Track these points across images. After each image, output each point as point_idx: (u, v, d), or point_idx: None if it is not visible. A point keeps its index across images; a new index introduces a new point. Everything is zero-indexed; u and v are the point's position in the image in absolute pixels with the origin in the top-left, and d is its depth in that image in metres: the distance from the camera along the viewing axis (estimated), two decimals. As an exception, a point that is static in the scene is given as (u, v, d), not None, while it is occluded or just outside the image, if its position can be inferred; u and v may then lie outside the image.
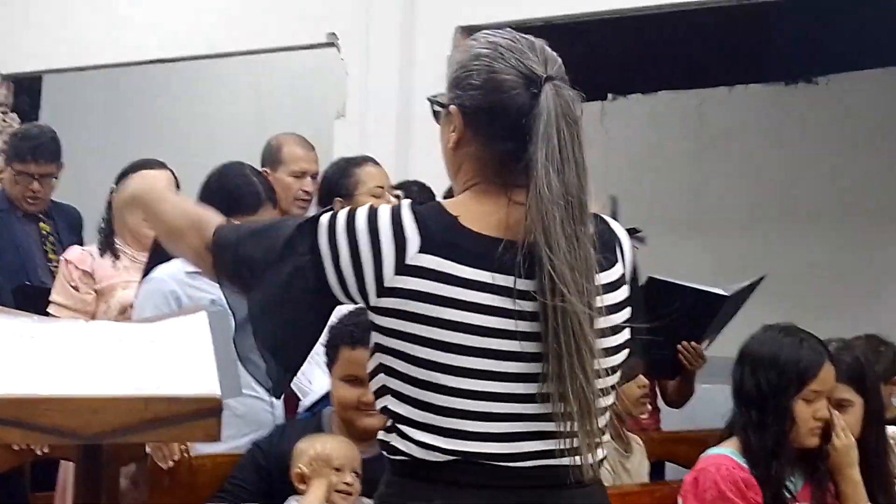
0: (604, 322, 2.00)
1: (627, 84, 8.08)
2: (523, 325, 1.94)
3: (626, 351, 2.10)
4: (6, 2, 7.59)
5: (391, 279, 1.96)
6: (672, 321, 4.32)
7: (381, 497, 2.09)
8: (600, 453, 2.05)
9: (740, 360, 3.33)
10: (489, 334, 1.94)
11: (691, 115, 8.07)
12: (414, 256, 1.96)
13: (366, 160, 4.05)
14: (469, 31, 5.91)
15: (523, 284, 1.93)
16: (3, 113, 7.59)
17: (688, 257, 7.07)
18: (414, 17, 6.00)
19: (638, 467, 4.15)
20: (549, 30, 6.07)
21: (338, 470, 3.11)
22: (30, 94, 8.14)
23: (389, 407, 2.03)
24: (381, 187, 3.92)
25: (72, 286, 4.15)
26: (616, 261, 2.10)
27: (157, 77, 7.83)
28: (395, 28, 5.99)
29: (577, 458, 1.96)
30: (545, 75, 2.00)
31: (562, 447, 1.94)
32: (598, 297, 1.96)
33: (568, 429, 1.93)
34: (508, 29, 2.10)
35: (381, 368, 2.02)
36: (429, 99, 2.15)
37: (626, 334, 2.09)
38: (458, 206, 2.03)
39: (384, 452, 2.07)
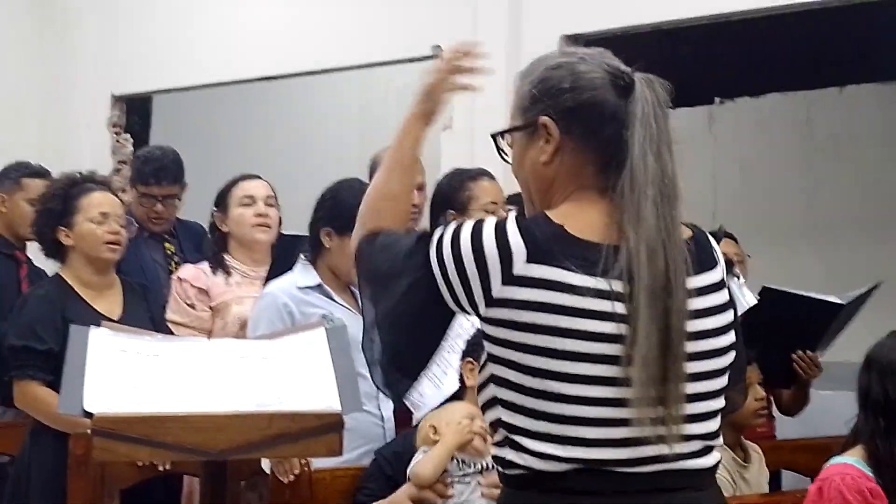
0: (701, 325, 2.01)
1: (735, 87, 7.99)
2: (625, 331, 1.95)
3: (733, 353, 2.10)
4: (116, 25, 7.74)
5: (500, 290, 1.97)
6: (787, 330, 4.29)
7: None
8: (713, 458, 2.06)
9: (867, 367, 3.27)
10: (600, 339, 1.95)
11: (801, 117, 7.94)
12: (522, 267, 1.97)
13: (481, 174, 4.04)
14: (574, 39, 5.89)
15: (624, 287, 1.94)
16: (116, 133, 7.74)
17: (800, 264, 6.97)
18: (519, 27, 5.98)
19: (757, 476, 4.10)
20: (656, 35, 6.05)
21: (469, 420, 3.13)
22: (140, 114, 8.30)
23: (502, 418, 2.03)
24: (495, 203, 3.91)
25: (187, 304, 4.21)
26: (715, 265, 2.11)
27: (264, 94, 7.92)
28: (501, 39, 5.97)
29: (689, 458, 1.98)
30: (629, 70, 2.05)
31: (667, 451, 1.95)
32: (690, 293, 1.97)
33: (654, 424, 1.93)
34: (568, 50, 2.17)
35: (492, 379, 2.03)
36: (494, 135, 2.20)
37: (730, 337, 2.09)
38: (562, 216, 2.04)
39: (498, 468, 2.08)
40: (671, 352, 1.93)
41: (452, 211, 3.85)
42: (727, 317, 2.09)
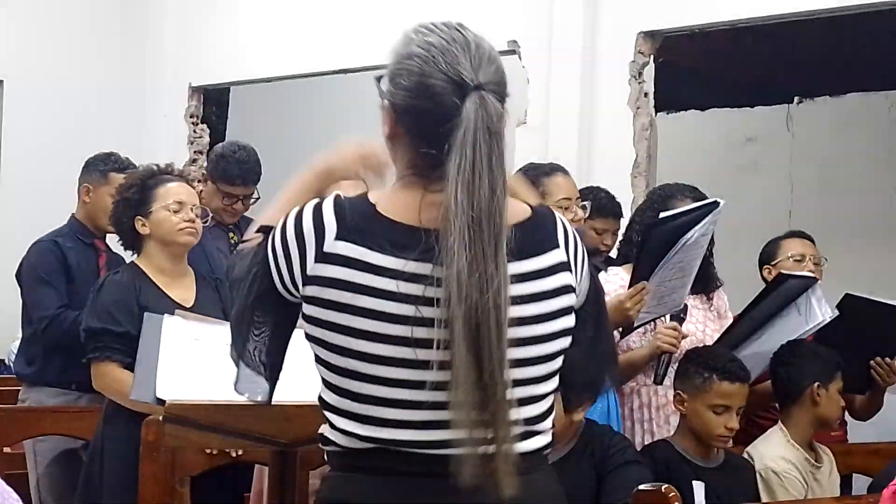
0: (522, 311, 1.98)
1: (815, 86, 7.90)
2: (429, 312, 1.93)
3: (565, 339, 2.08)
4: (196, 16, 7.81)
5: (312, 267, 2.00)
6: (867, 336, 4.24)
7: (318, 492, 2.11)
8: (537, 442, 2.05)
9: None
10: (399, 321, 1.94)
11: (881, 117, 7.83)
12: (331, 244, 1.99)
13: (555, 169, 4.02)
14: (652, 36, 5.86)
15: (431, 271, 1.93)
16: (193, 123, 7.81)
17: (879, 265, 6.87)
18: (596, 22, 5.95)
19: (829, 478, 4.07)
20: (734, 32, 6.00)
21: None
22: (218, 105, 8.37)
23: (321, 395, 2.06)
24: (569, 198, 3.89)
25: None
26: (553, 247, 2.07)
27: (340, 86, 7.95)
28: (577, 34, 5.95)
29: (490, 447, 1.91)
30: (474, 83, 1.97)
31: (464, 436, 1.91)
32: (507, 292, 1.91)
33: (461, 417, 1.90)
34: (450, 23, 2.07)
35: (315, 359, 2.05)
36: (375, 79, 2.11)
37: (563, 322, 2.07)
38: (381, 196, 2.05)
39: (321, 445, 2.09)
40: (492, 380, 1.88)
41: (526, 207, 3.83)
42: (559, 302, 2.06)
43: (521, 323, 1.99)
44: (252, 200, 5.06)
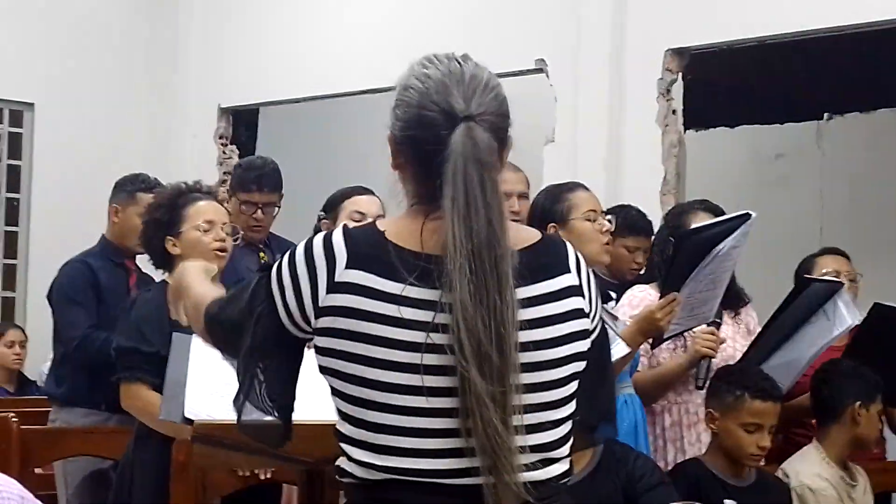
0: (531, 335, 1.96)
1: (844, 103, 7.85)
2: (438, 338, 1.92)
3: (578, 363, 2.04)
4: (223, 38, 7.85)
5: (324, 298, 1.98)
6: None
7: None
8: (553, 470, 2.01)
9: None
10: (410, 348, 1.93)
11: (914, 135, 7.78)
12: (342, 273, 1.98)
13: (575, 185, 4.03)
14: (679, 53, 5.84)
15: (437, 296, 1.92)
16: (223, 144, 7.84)
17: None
18: (623, 40, 5.95)
19: (864, 497, 4.03)
20: (763, 49, 5.97)
21: None
22: (247, 126, 8.40)
23: (336, 427, 2.04)
24: (595, 210, 3.89)
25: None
26: (564, 272, 2.06)
27: (369, 106, 7.96)
28: (605, 52, 5.95)
29: (508, 476, 1.89)
30: (464, 114, 1.97)
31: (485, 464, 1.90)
32: (515, 318, 1.91)
33: (473, 445, 1.89)
34: (452, 55, 2.08)
35: (331, 391, 2.04)
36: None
37: (574, 346, 2.03)
38: (389, 223, 2.05)
39: (338, 477, 2.06)
40: (499, 407, 1.88)
41: (554, 224, 3.83)
42: (571, 326, 2.04)
43: (530, 348, 1.97)
44: (274, 211, 5.04)
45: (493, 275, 1.90)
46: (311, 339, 2.05)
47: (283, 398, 2.14)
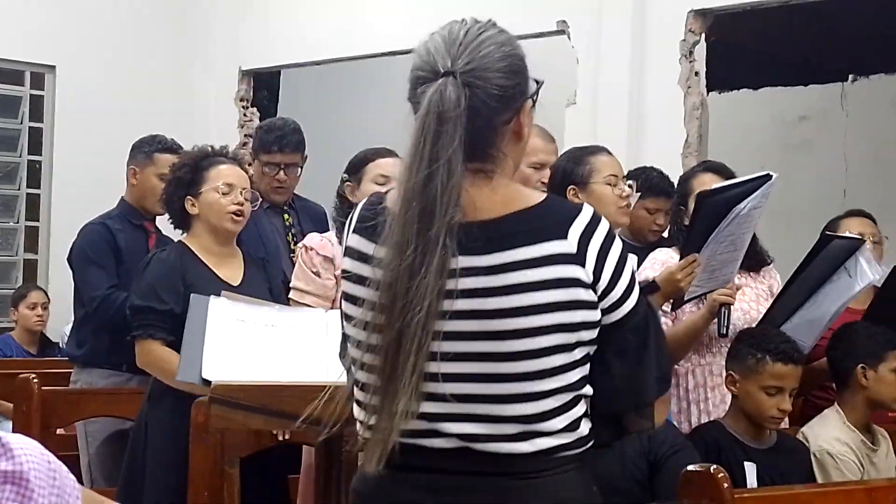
0: (514, 301, 1.94)
1: (869, 64, 7.80)
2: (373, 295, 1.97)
3: (569, 334, 1.98)
4: (244, 2, 7.83)
5: (340, 263, 2.14)
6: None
7: None
8: (536, 444, 1.97)
9: None
10: (367, 306, 1.97)
11: (939, 95, 7.73)
12: (348, 238, 2.08)
13: (599, 149, 4.00)
14: (703, 14, 5.80)
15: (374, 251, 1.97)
16: (244, 107, 7.83)
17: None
18: (645, 2, 5.91)
19: (886, 461, 4.01)
20: (786, 10, 5.92)
21: None
22: (268, 89, 8.39)
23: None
24: (616, 175, 3.87)
25: (313, 272, 4.21)
26: (556, 238, 1.98)
27: (389, 69, 7.94)
28: (627, 14, 5.91)
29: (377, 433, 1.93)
30: (445, 70, 1.96)
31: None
32: (439, 282, 1.89)
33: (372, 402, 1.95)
34: (465, 19, 2.06)
35: None
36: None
37: (561, 316, 1.97)
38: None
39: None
40: (403, 353, 1.89)
41: (574, 186, 3.81)
42: (550, 295, 1.96)
43: (499, 315, 1.94)
44: (297, 171, 5.04)
45: (418, 233, 1.89)
46: None
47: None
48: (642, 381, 2.09)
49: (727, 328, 3.89)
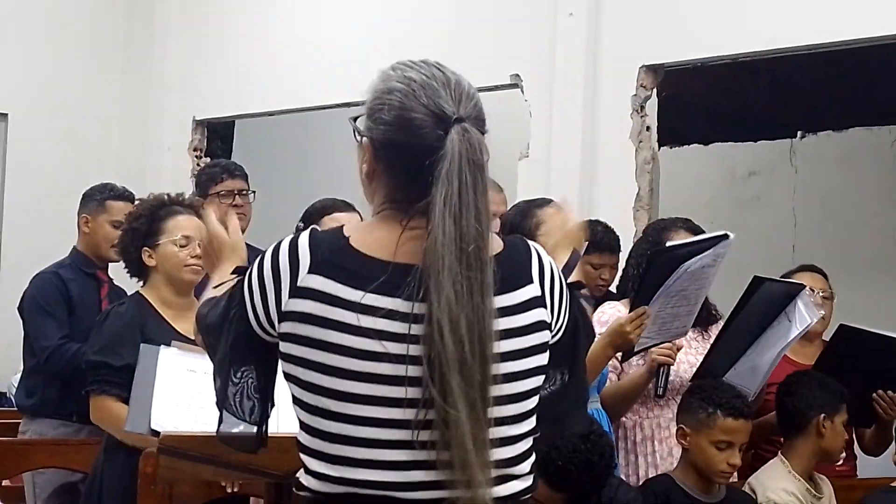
0: (496, 347, 1.92)
1: (818, 121, 7.90)
2: (395, 348, 1.90)
3: (541, 377, 2.03)
4: (198, 50, 7.84)
5: (286, 303, 1.96)
6: (867, 369, 4.23)
7: None
8: (512, 487, 1.99)
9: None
10: (369, 357, 1.91)
11: (885, 152, 7.83)
12: (304, 277, 1.95)
13: (545, 201, 4.05)
14: (654, 70, 5.86)
15: (405, 307, 1.90)
16: (197, 156, 7.83)
17: (883, 300, 6.84)
18: (597, 57, 5.96)
19: (828, 509, 4.06)
20: (735, 67, 6.01)
21: None
22: (222, 139, 8.39)
23: (297, 437, 2.02)
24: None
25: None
26: (527, 283, 2.03)
27: (344, 120, 7.95)
28: (579, 69, 5.96)
29: (471, 490, 1.86)
30: (455, 116, 1.96)
31: (448, 478, 1.88)
32: (494, 326, 1.90)
33: (444, 458, 1.87)
34: (428, 61, 2.05)
35: (292, 399, 2.02)
36: (350, 120, 2.11)
37: (538, 359, 2.02)
38: (355, 229, 2.02)
39: (294, 490, 2.04)
40: (476, 419, 1.86)
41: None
42: (533, 339, 2.01)
43: (497, 360, 1.94)
44: (250, 197, 5.05)
45: (477, 277, 1.88)
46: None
47: (259, 404, 2.12)
48: (581, 380, 2.22)
49: (664, 389, 3.91)
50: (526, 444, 2.03)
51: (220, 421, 2.15)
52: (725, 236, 3.77)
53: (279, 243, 2.03)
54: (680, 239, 3.98)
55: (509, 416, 1.99)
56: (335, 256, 1.96)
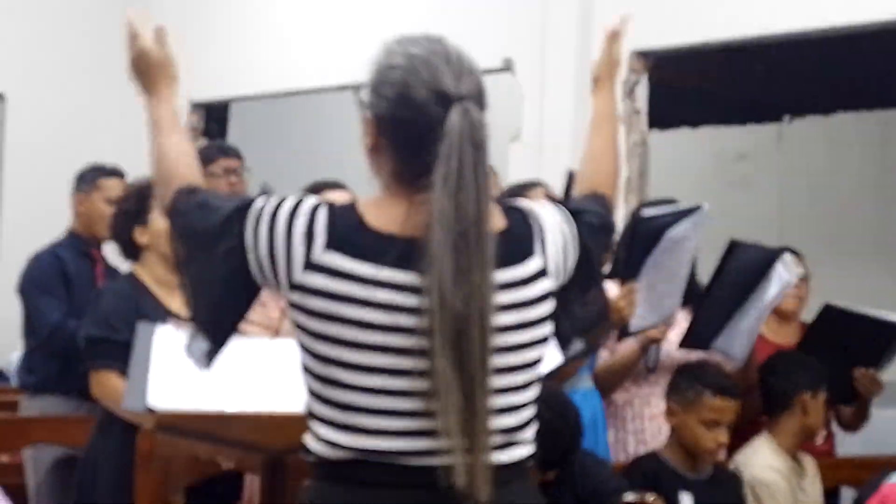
0: (500, 320, 1.99)
1: (805, 105, 7.94)
2: (406, 321, 1.95)
3: (542, 349, 2.09)
4: (195, 32, 7.86)
5: (300, 275, 2.00)
6: (849, 347, 4.30)
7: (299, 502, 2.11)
8: (516, 453, 2.06)
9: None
10: (383, 330, 1.96)
11: (873, 137, 7.88)
12: (320, 253, 1.99)
13: (534, 184, 4.11)
14: (645, 55, 5.91)
15: (415, 281, 1.95)
16: (194, 139, 7.85)
17: (870, 284, 6.90)
18: (589, 40, 5.99)
19: (813, 486, 4.12)
20: (726, 52, 6.04)
21: None
22: (218, 121, 8.41)
23: (307, 405, 2.07)
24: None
25: (259, 303, 4.27)
26: (529, 254, 2.08)
27: (340, 102, 7.99)
28: (571, 51, 6.00)
29: (471, 456, 1.91)
30: (457, 94, 2.00)
31: (449, 445, 1.92)
32: (493, 301, 1.95)
33: (445, 426, 1.91)
34: (431, 36, 2.10)
35: (301, 367, 2.06)
36: (354, 90, 2.14)
37: (540, 331, 2.08)
38: (367, 205, 2.05)
39: (301, 455, 2.08)
40: (474, 388, 1.91)
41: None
42: (539, 310, 2.08)
43: (501, 331, 2.00)
44: (245, 175, 5.06)
45: (476, 255, 1.92)
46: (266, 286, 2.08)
47: (220, 325, 2.16)
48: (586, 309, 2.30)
49: (655, 363, 3.99)
50: (527, 411, 2.09)
51: (190, 340, 2.21)
52: (699, 207, 3.83)
53: (297, 207, 2.04)
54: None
55: (515, 386, 2.05)
56: (352, 233, 2.00)
